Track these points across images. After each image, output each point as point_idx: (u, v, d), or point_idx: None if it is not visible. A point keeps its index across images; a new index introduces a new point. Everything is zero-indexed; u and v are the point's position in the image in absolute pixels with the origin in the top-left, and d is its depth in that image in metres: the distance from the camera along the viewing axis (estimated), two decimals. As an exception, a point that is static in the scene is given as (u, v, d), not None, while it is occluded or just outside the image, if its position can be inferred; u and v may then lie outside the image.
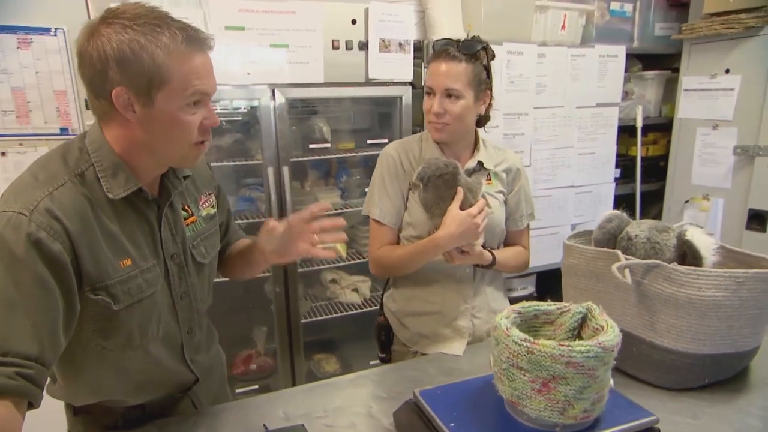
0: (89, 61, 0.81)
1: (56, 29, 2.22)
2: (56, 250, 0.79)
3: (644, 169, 2.88)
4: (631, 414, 0.85)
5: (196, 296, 1.05)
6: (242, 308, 2.44)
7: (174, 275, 0.99)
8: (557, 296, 1.20)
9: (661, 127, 2.98)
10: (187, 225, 1.02)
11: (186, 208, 1.03)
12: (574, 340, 0.86)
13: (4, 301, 0.75)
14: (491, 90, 1.33)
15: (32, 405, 0.78)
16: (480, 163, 1.30)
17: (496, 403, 0.88)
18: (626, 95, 2.90)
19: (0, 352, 0.73)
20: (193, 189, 1.06)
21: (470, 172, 1.27)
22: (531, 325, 0.91)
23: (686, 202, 2.71)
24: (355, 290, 2.50)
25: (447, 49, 1.27)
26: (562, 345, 0.76)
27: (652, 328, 1.11)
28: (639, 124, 2.79)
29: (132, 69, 0.80)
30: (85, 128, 2.30)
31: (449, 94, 1.27)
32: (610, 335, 0.79)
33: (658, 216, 2.94)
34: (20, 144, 2.25)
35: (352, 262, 2.41)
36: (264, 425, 1.02)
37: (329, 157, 2.30)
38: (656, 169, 3.00)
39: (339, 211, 2.35)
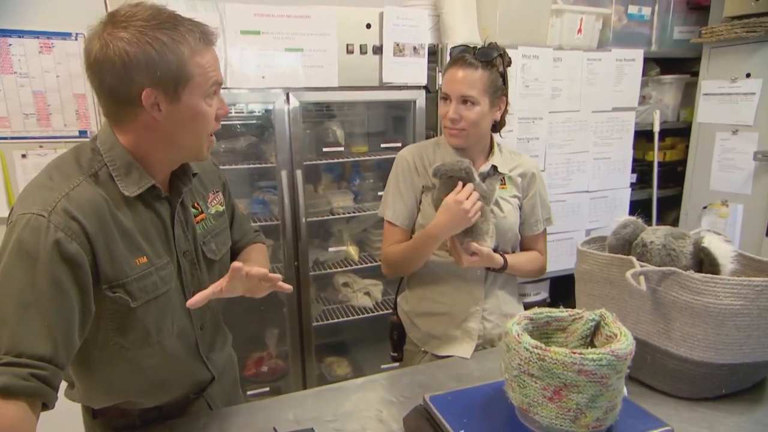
0: (110, 67, 0.81)
1: (77, 34, 2.26)
2: (74, 251, 0.80)
3: (661, 175, 2.84)
4: (645, 424, 0.83)
5: None
6: (255, 310, 2.44)
7: (186, 272, 1.00)
8: (570, 302, 1.19)
9: (679, 132, 2.94)
10: (198, 222, 1.04)
11: (196, 205, 1.05)
12: (587, 348, 0.84)
13: (20, 302, 0.76)
14: (507, 96, 1.32)
15: (47, 406, 0.78)
16: (494, 167, 1.30)
17: (507, 410, 0.88)
18: (643, 99, 2.86)
19: (14, 353, 0.74)
20: (200, 187, 1.08)
21: (484, 176, 1.26)
22: (543, 332, 0.90)
23: (704, 208, 2.67)
24: (367, 294, 2.50)
25: (463, 56, 1.27)
26: (574, 352, 0.75)
27: (667, 337, 1.09)
28: (656, 128, 2.75)
29: (160, 69, 0.81)
30: (103, 130, 2.35)
31: (465, 101, 1.27)
32: (624, 343, 0.78)
33: (675, 222, 2.89)
34: (40, 146, 2.30)
35: (365, 265, 2.41)
36: (274, 428, 1.02)
37: (343, 160, 2.31)
38: (674, 175, 2.96)
39: (351, 214, 2.36)
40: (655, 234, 1.17)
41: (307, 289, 2.21)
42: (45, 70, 2.27)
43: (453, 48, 1.34)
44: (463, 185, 1.22)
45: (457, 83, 1.26)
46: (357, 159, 2.37)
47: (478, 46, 1.29)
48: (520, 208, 1.41)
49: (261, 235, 1.30)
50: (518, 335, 0.80)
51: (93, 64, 0.82)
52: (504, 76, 1.29)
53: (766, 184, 2.39)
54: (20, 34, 2.19)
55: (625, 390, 0.85)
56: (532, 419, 0.81)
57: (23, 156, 2.28)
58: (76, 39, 2.27)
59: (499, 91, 1.29)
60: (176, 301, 0.99)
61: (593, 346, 0.88)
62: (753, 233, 2.43)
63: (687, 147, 2.82)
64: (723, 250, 1.09)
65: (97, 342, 0.89)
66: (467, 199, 1.22)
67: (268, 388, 2.32)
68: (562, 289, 2.86)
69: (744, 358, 1.05)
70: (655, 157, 2.79)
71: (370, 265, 2.42)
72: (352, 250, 2.43)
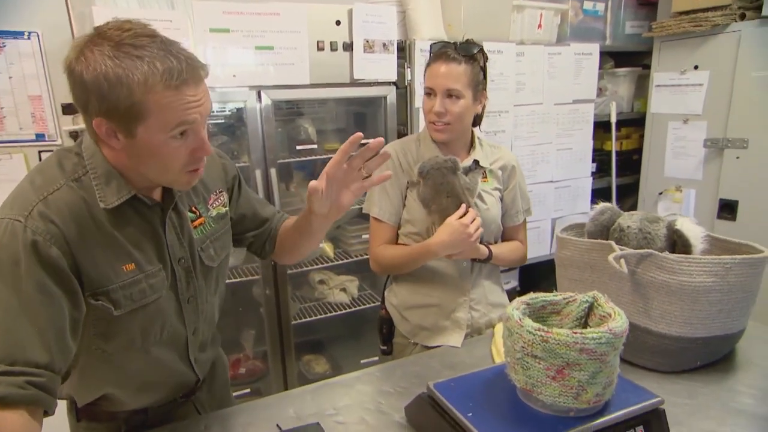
0: (73, 83, 0.78)
1: (30, 33, 2.15)
2: (54, 255, 0.78)
3: (619, 163, 2.98)
4: (638, 396, 0.89)
5: (204, 298, 1.04)
6: (230, 312, 2.41)
7: (181, 280, 0.98)
8: (541, 289, 1.24)
9: (633, 122, 3.08)
10: (195, 227, 1.01)
11: (193, 209, 1.01)
12: (582, 329, 0.89)
13: (7, 310, 0.74)
14: (486, 90, 1.36)
15: (47, 412, 0.77)
16: (476, 162, 1.34)
17: (509, 392, 0.91)
18: (600, 92, 2.99)
19: (7, 361, 0.73)
20: (201, 189, 1.03)
21: (467, 171, 1.30)
22: (539, 316, 0.94)
23: (660, 193, 2.81)
24: (343, 290, 2.51)
25: (446, 51, 1.30)
26: (575, 332, 0.79)
27: (646, 315, 1.16)
28: (613, 119, 2.88)
29: (109, 101, 0.76)
30: (62, 134, 2.25)
31: (450, 95, 1.30)
32: (619, 321, 0.83)
33: (633, 208, 3.03)
34: (-6, 152, 2.19)
35: (340, 262, 2.42)
36: (277, 425, 1.02)
37: (316, 158, 2.30)
38: (630, 163, 3.10)
39: (326, 211, 2.36)
40: (631, 219, 1.24)
41: (284, 288, 2.21)
42: (-4, 71, 2.16)
43: (433, 44, 1.36)
44: (450, 179, 1.26)
45: (442, 77, 1.29)
46: (330, 156, 2.36)
47: (457, 42, 1.32)
48: (501, 200, 1.45)
49: (285, 215, 1.23)
50: (520, 320, 0.84)
51: (66, 74, 0.79)
52: (484, 71, 1.33)
53: (715, 170, 2.54)
54: (-33, 33, 2.07)
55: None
56: (536, 399, 0.85)
57: (-25, 162, 2.16)
58: (29, 38, 2.17)
59: (480, 85, 1.32)
60: (169, 308, 0.96)
61: (587, 326, 0.93)
62: (705, 216, 2.58)
63: (641, 136, 2.97)
64: (695, 232, 1.17)
65: (80, 344, 0.86)
66: (472, 222, 1.26)
67: (248, 390, 2.30)
68: (531, 277, 2.96)
69: (716, 331, 1.13)
70: (613, 146, 2.92)
71: (345, 261, 2.43)
72: (327, 247, 2.43)
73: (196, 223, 1.01)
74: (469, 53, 1.29)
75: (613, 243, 1.20)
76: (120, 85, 0.75)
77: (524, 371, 0.84)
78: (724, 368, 1.18)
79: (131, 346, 0.93)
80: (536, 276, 3.14)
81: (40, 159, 2.23)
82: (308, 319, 2.35)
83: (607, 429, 0.84)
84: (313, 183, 0.96)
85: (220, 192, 1.08)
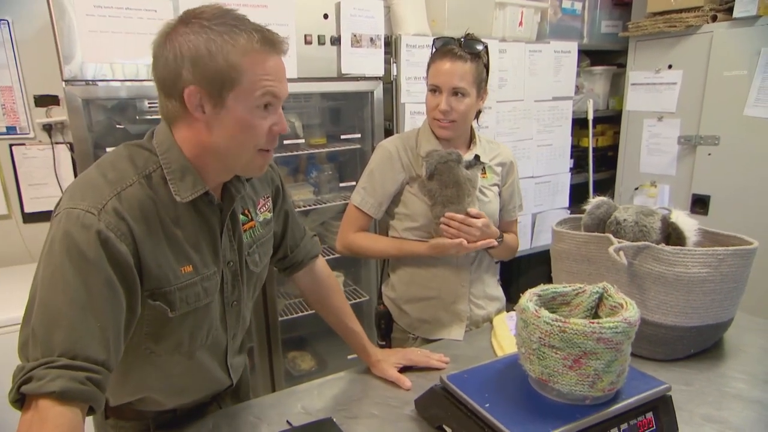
0: (164, 61, 0.79)
1: (0, 20, 2.06)
2: (123, 252, 0.76)
3: (595, 160, 3.05)
4: (647, 384, 0.92)
5: (245, 303, 1.03)
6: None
7: (228, 283, 0.96)
8: (523, 282, 1.27)
9: (608, 120, 3.17)
10: (245, 230, 0.99)
11: (246, 212, 1.00)
12: (593, 319, 0.91)
13: (75, 303, 0.72)
14: (487, 87, 1.37)
15: (92, 410, 0.74)
16: (477, 157, 1.35)
17: (522, 382, 0.93)
18: (577, 89, 3.05)
19: (69, 355, 0.70)
20: (252, 192, 1.02)
21: (467, 165, 1.31)
22: (549, 307, 0.96)
23: (636, 189, 2.90)
24: (329, 286, 2.49)
25: (452, 49, 1.30)
26: (593, 322, 0.81)
27: (643, 305, 1.20)
28: (590, 116, 2.95)
29: (205, 68, 0.78)
30: (34, 127, 2.17)
31: (455, 93, 1.30)
32: (632, 311, 0.86)
33: (609, 203, 3.12)
34: (-39, 144, 2.08)
35: (325, 257, 2.40)
36: (288, 421, 1.02)
37: (302, 152, 2.28)
38: (606, 159, 3.19)
39: (312, 207, 2.34)
40: (627, 212, 1.28)
41: (271, 284, 2.18)
42: (-38, 60, 2.05)
43: (436, 39, 1.36)
44: (456, 171, 1.27)
45: (447, 75, 1.29)
46: (316, 151, 2.35)
47: (461, 39, 1.32)
48: (500, 195, 1.47)
49: (317, 244, 1.25)
50: (536, 311, 0.86)
51: (153, 57, 0.81)
52: (487, 68, 1.34)
53: (688, 166, 2.64)
54: (-70, 19, 1.96)
55: (623, 355, 0.94)
56: (551, 388, 0.86)
57: (-59, 156, 2.06)
58: (-3, 26, 2.07)
59: (483, 82, 1.33)
60: (215, 312, 0.95)
61: (597, 317, 0.95)
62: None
63: (616, 133, 3.05)
64: (689, 225, 1.21)
65: (130, 344, 0.84)
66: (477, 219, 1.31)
67: (234, 388, 2.26)
68: (511, 272, 3.02)
69: (709, 320, 1.18)
70: (590, 143, 2.99)
71: (331, 257, 2.41)
72: (313, 243, 2.41)
73: (246, 226, 0.99)
74: (474, 51, 1.30)
75: (611, 236, 1.23)
76: (218, 50, 0.78)
77: (540, 361, 0.86)
78: (715, 356, 1.23)
79: (178, 349, 0.92)
80: (516, 270, 3.20)
81: (11, 153, 2.14)
82: (295, 315, 2.33)
83: (620, 416, 0.86)
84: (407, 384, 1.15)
85: (267, 198, 1.06)
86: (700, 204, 2.60)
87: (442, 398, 0.96)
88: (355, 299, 2.46)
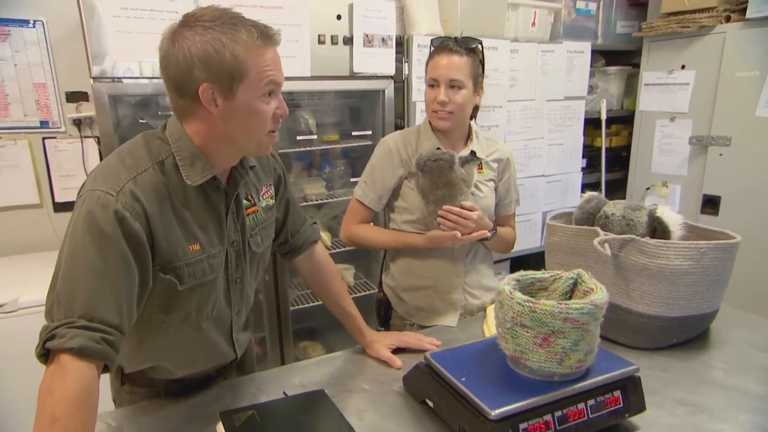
0: (175, 62, 0.87)
1: (35, 21, 2.20)
2: (137, 229, 0.86)
3: (608, 159, 3.07)
4: (616, 365, 0.97)
5: (248, 281, 1.13)
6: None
7: (232, 261, 1.06)
8: None
9: (623, 120, 3.18)
10: (249, 214, 1.08)
11: (249, 197, 1.09)
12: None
13: (93, 273, 0.82)
14: (483, 83, 1.44)
15: (107, 368, 0.84)
16: (473, 153, 1.41)
17: (499, 361, 0.99)
18: (591, 89, 3.07)
19: (88, 317, 0.80)
20: (255, 180, 1.11)
21: (463, 161, 1.37)
22: (527, 292, 1.02)
23: (647, 189, 2.91)
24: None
25: (448, 44, 1.38)
26: (560, 303, 0.87)
27: (627, 296, 1.25)
28: (603, 116, 2.97)
29: (216, 66, 0.86)
30: (65, 121, 2.30)
31: (452, 85, 1.37)
32: (600, 294, 0.91)
33: (621, 203, 3.13)
34: (-1, 137, 2.23)
35: (337, 250, 2.49)
36: (284, 392, 1.10)
37: (315, 148, 2.37)
38: (619, 159, 3.20)
39: (324, 201, 2.43)
40: (615, 207, 1.32)
41: (283, 274, 2.27)
42: (1, 59, 2.20)
43: (433, 39, 1.44)
44: (447, 172, 1.34)
45: (444, 68, 1.37)
46: (329, 147, 2.44)
47: (458, 37, 1.40)
48: (496, 190, 1.54)
49: (317, 231, 1.33)
50: (511, 293, 0.92)
51: (162, 60, 0.89)
52: (482, 64, 1.41)
53: (699, 166, 2.64)
54: (-27, 21, 2.11)
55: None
56: (524, 365, 0.93)
57: (-19, 147, 2.21)
58: (34, 26, 2.22)
59: (479, 77, 1.40)
60: (220, 288, 1.05)
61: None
62: (689, 210, 2.68)
63: (630, 134, 3.06)
64: (674, 219, 1.26)
65: (143, 313, 0.94)
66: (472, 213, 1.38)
67: (247, 373, 2.36)
68: (523, 268, 3.04)
69: (691, 311, 1.22)
70: (603, 143, 3.01)
71: (342, 250, 2.50)
72: (325, 236, 2.50)
73: (249, 210, 1.09)
74: (470, 46, 1.38)
75: (598, 229, 1.28)
76: (225, 48, 0.86)
77: (513, 339, 0.92)
78: (698, 346, 1.27)
79: (186, 320, 1.01)
80: (526, 267, 3.23)
81: (44, 146, 2.28)
82: (306, 305, 2.42)
83: (588, 392, 0.92)
84: (398, 363, 1.23)
85: (269, 185, 1.16)
86: (710, 204, 2.60)
87: (425, 375, 1.03)
88: (365, 291, 2.54)
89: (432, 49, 1.42)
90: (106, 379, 1.12)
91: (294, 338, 2.50)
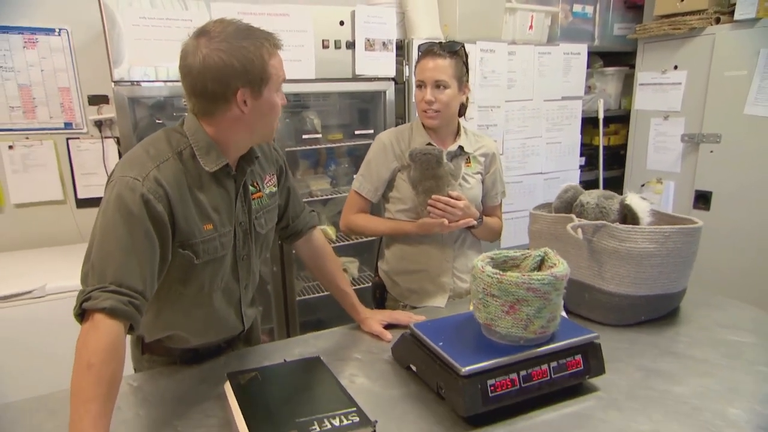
0: (212, 74, 0.99)
1: (60, 29, 2.37)
2: (160, 211, 1.00)
3: (606, 158, 3.16)
4: (578, 332, 1.09)
5: (254, 259, 1.26)
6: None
7: (239, 239, 1.19)
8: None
9: (621, 119, 3.26)
10: (254, 199, 1.22)
11: (255, 184, 1.23)
12: (535, 277, 1.08)
13: (122, 246, 0.96)
14: (468, 83, 1.56)
15: (132, 329, 0.97)
16: (461, 148, 1.53)
17: (475, 330, 1.11)
18: (589, 89, 3.17)
19: (117, 283, 0.94)
20: (260, 169, 1.25)
21: (452, 156, 1.50)
22: (501, 269, 1.13)
23: (642, 185, 3.00)
24: (345, 270, 2.70)
25: (432, 49, 1.51)
26: (524, 275, 0.99)
27: (600, 277, 1.36)
28: (601, 115, 3.07)
29: (252, 71, 1.00)
30: (87, 123, 2.46)
31: (438, 85, 1.50)
32: (561, 268, 1.03)
33: (618, 199, 3.21)
34: (26, 138, 2.40)
35: (341, 243, 2.62)
36: (284, 359, 1.23)
37: (320, 147, 2.51)
38: (617, 157, 3.29)
39: (329, 197, 2.57)
40: (590, 195, 1.44)
41: (290, 267, 2.41)
42: (30, 65, 2.37)
43: (421, 44, 1.57)
44: (435, 166, 1.46)
45: (430, 71, 1.50)
46: (333, 145, 2.57)
47: (442, 42, 1.53)
48: (483, 183, 1.66)
49: (315, 217, 1.45)
50: (482, 267, 1.04)
51: (197, 75, 1.00)
52: (466, 65, 1.54)
53: (691, 163, 2.73)
54: (5, 30, 2.28)
55: (564, 312, 1.11)
56: (494, 331, 1.04)
57: (10, 147, 2.37)
58: (59, 35, 2.38)
59: (463, 77, 1.53)
60: (228, 263, 1.19)
61: (540, 276, 1.13)
62: (683, 205, 2.77)
63: (628, 132, 3.15)
64: (642, 207, 1.36)
65: (162, 287, 1.08)
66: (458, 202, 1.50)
67: (256, 359, 2.49)
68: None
69: (657, 290, 1.33)
70: (601, 141, 3.10)
71: (346, 243, 2.63)
72: (330, 230, 2.63)
73: (255, 195, 1.22)
74: (453, 49, 1.50)
75: (573, 216, 1.39)
76: (255, 57, 1.01)
77: (485, 308, 1.04)
78: (665, 323, 1.38)
79: (201, 291, 1.16)
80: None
81: (68, 146, 2.44)
82: (313, 295, 2.54)
83: (551, 355, 1.03)
84: (388, 337, 1.35)
85: (272, 175, 1.30)
86: (702, 200, 2.69)
87: (410, 343, 1.15)
88: (366, 284, 2.66)
89: (419, 53, 1.55)
90: (127, 351, 1.27)
91: (301, 330, 2.63)
